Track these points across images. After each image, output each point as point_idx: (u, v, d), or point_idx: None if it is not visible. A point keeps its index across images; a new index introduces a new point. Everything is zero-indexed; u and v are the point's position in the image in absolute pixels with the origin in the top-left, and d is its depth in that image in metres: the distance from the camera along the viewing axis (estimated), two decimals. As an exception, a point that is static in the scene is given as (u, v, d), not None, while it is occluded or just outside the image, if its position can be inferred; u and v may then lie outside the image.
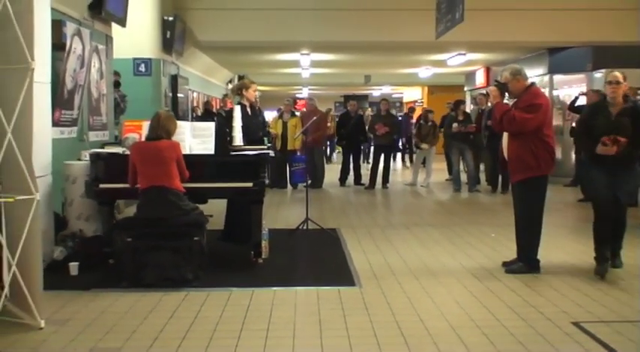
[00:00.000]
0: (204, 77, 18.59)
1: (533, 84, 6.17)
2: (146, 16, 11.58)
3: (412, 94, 31.44)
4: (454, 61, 17.09)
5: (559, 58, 14.89)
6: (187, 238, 5.53)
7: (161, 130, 5.57)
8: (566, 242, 7.43)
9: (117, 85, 10.14)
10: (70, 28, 7.36)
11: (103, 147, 7.06)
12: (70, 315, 4.67)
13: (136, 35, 10.85)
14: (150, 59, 12.14)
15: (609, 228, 5.71)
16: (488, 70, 19.98)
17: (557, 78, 15.03)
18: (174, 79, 13.76)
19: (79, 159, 6.74)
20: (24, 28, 4.19)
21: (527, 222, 5.91)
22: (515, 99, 5.95)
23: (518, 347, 4.00)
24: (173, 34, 12.48)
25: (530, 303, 4.94)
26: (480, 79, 20.60)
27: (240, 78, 24.97)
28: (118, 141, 7.67)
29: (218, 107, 17.90)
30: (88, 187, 6.07)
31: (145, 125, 6.23)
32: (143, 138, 6.01)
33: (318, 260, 6.56)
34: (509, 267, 5.96)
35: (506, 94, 6.00)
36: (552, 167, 5.95)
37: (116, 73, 9.96)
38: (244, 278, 5.71)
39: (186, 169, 5.64)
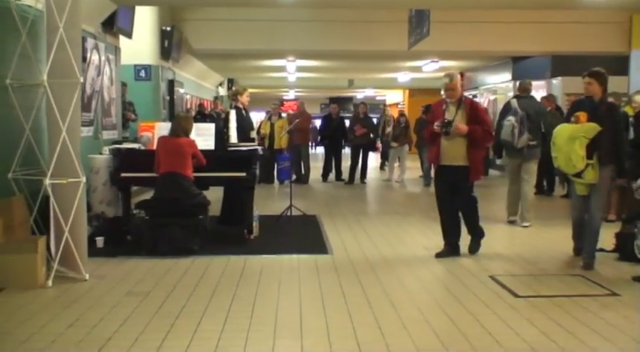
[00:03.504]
0: (197, 81, 19.87)
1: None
2: (146, 27, 12.83)
3: (394, 97, 32.88)
4: (428, 68, 18.51)
5: (522, 66, 16.36)
6: (194, 217, 6.88)
7: (180, 130, 6.94)
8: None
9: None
10: (89, 43, 8.69)
11: (113, 144, 8.40)
12: (105, 273, 6.00)
13: (137, 44, 12.01)
14: (149, 65, 13.45)
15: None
16: (462, 76, 21.40)
17: (520, 84, 16.45)
18: (171, 84, 15.09)
19: (101, 154, 8.04)
20: (74, 50, 5.53)
21: (475, 209, 6.84)
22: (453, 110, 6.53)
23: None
24: (171, 42, 13.79)
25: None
26: (455, 83, 22.01)
27: (230, 81, 26.33)
28: (134, 138, 8.97)
29: (210, 109, 19.24)
30: (111, 176, 7.40)
31: (158, 125, 7.59)
32: (156, 137, 7.35)
33: (299, 237, 7.92)
34: (472, 248, 6.84)
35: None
36: None
37: (123, 84, 11.21)
38: (239, 249, 7.06)
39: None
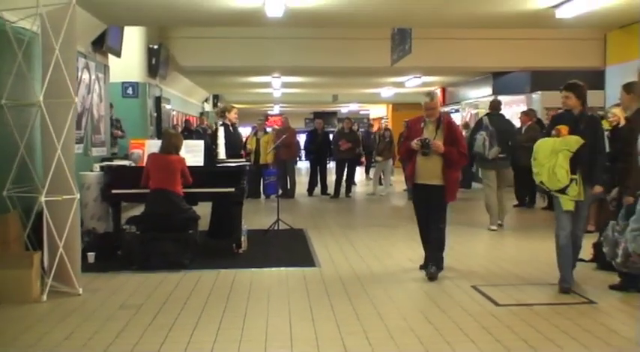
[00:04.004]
0: (183, 97, 20.05)
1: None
2: (134, 45, 13.02)
3: (378, 111, 33.22)
4: (411, 83, 18.84)
5: (502, 81, 16.72)
6: (185, 231, 7.05)
7: (171, 147, 7.11)
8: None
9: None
10: (80, 63, 8.86)
11: (102, 161, 8.56)
12: (98, 287, 6.14)
13: (125, 62, 12.16)
14: (137, 83, 13.61)
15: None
16: (444, 90, 21.79)
17: (501, 98, 16.74)
18: (158, 100, 15.26)
19: (92, 171, 8.19)
20: (69, 71, 5.71)
21: (442, 240, 6.67)
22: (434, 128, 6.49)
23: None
24: (158, 60, 13.98)
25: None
26: (438, 98, 22.37)
27: (215, 97, 26.52)
28: (124, 155, 9.13)
29: (196, 125, 19.41)
30: (102, 192, 7.55)
31: (148, 143, 7.76)
32: (146, 153, 7.52)
33: (287, 250, 8.10)
34: (431, 275, 6.47)
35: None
36: None
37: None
38: (229, 262, 7.23)
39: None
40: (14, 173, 6.24)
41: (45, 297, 5.66)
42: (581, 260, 6.87)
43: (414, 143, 6.48)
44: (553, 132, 6.06)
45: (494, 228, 9.66)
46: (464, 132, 13.42)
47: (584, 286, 6.04)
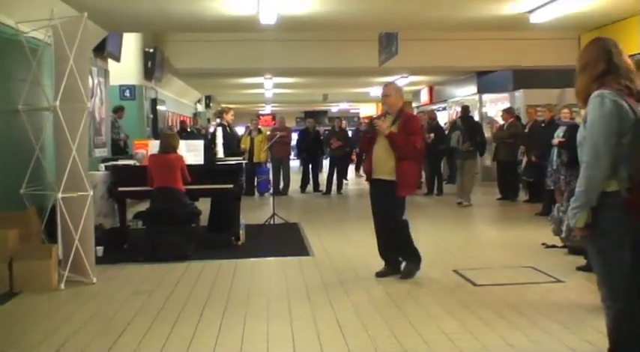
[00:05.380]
0: (177, 98, 20.56)
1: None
2: (131, 49, 13.52)
3: (368, 110, 33.80)
4: (399, 83, 19.34)
5: (486, 80, 17.31)
6: (188, 225, 7.59)
7: (169, 146, 7.64)
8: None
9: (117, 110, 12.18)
10: (84, 68, 9.37)
11: (103, 161, 9.10)
12: (110, 277, 6.68)
13: (123, 65, 12.66)
14: (134, 85, 14.13)
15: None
16: (431, 89, 22.38)
17: (486, 96, 17.43)
18: (153, 102, 15.79)
19: (98, 170, 8.71)
20: (82, 78, 6.24)
21: (407, 229, 6.48)
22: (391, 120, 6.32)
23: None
24: (154, 63, 14.50)
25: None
26: (425, 96, 23.01)
27: (208, 98, 27.04)
28: (129, 156, 9.65)
29: (191, 125, 19.96)
30: (109, 190, 8.08)
31: (151, 143, 8.30)
32: (149, 153, 8.06)
33: (283, 242, 8.66)
34: (403, 273, 6.42)
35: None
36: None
37: (121, 108, 11.93)
38: (229, 253, 7.76)
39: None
40: (29, 173, 6.77)
41: (63, 286, 6.19)
42: (554, 246, 7.48)
43: (364, 123, 6.85)
44: None
45: (461, 201, 12.30)
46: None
47: (554, 268, 6.62)
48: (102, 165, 8.74)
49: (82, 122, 6.22)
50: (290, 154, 16.21)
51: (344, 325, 4.90)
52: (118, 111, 12.30)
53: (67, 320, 5.20)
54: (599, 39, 3.58)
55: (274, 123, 15.93)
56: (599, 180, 3.27)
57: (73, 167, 6.22)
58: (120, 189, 8.02)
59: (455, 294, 5.72)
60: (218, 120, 9.87)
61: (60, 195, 6.23)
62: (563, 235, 4.07)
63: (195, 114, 23.84)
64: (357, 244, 8.31)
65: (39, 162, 6.88)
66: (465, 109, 13.22)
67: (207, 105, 27.45)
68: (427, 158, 14.32)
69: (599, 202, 3.30)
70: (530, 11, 9.19)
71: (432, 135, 14.22)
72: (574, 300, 5.44)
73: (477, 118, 17.06)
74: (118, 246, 8.03)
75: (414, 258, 6.46)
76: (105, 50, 10.48)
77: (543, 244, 7.76)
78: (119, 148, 11.85)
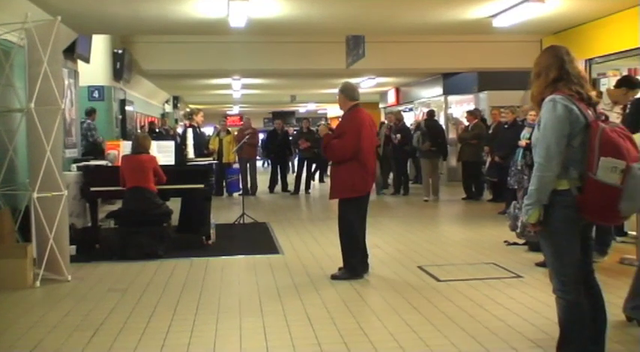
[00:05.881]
0: (145, 99, 20.55)
1: (356, 105, 6.46)
2: (99, 50, 13.51)
3: (335, 111, 34.04)
4: (366, 84, 19.67)
5: (452, 82, 17.67)
6: (159, 225, 7.74)
7: (140, 147, 7.78)
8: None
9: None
10: (55, 69, 9.44)
11: (74, 162, 9.18)
12: (83, 275, 6.80)
13: (91, 66, 12.67)
14: (103, 86, 14.14)
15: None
16: (397, 90, 22.72)
17: (451, 98, 17.81)
18: (122, 103, 15.80)
19: (69, 171, 8.80)
20: (57, 81, 6.36)
21: (347, 236, 6.47)
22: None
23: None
24: (122, 64, 14.51)
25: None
26: (392, 98, 23.34)
27: (176, 98, 27.04)
28: (100, 156, 9.74)
29: (159, 126, 19.98)
30: (82, 190, 8.18)
31: (122, 144, 8.43)
32: (121, 153, 8.18)
33: (253, 241, 8.86)
34: (335, 275, 6.44)
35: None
36: (361, 192, 6.39)
37: (93, 110, 12.03)
38: (200, 252, 7.94)
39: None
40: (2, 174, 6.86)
41: (38, 284, 6.31)
42: (516, 243, 7.80)
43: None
44: None
45: (427, 199, 13.31)
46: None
47: (514, 264, 6.92)
48: (74, 166, 8.82)
49: (55, 123, 6.33)
50: (256, 155, 16.37)
51: (313, 319, 5.11)
52: (92, 113, 12.34)
53: (43, 317, 5.33)
54: (553, 47, 3.85)
55: (244, 124, 16.03)
56: (550, 179, 3.53)
57: (48, 167, 6.33)
58: (92, 189, 8.14)
59: (419, 289, 5.98)
60: (187, 122, 10.00)
61: (35, 195, 6.34)
62: (518, 231, 4.35)
63: (163, 115, 23.83)
64: (325, 243, 8.53)
65: (12, 163, 6.96)
66: (431, 113, 14.65)
67: (175, 106, 27.45)
68: (394, 158, 14.70)
69: (551, 200, 3.57)
70: (493, 16, 9.51)
71: (399, 135, 14.54)
72: (531, 294, 5.73)
73: (442, 119, 17.52)
74: (90, 245, 8.13)
75: (349, 266, 6.45)
76: (75, 52, 10.54)
77: (505, 242, 8.08)
78: (97, 151, 11.91)
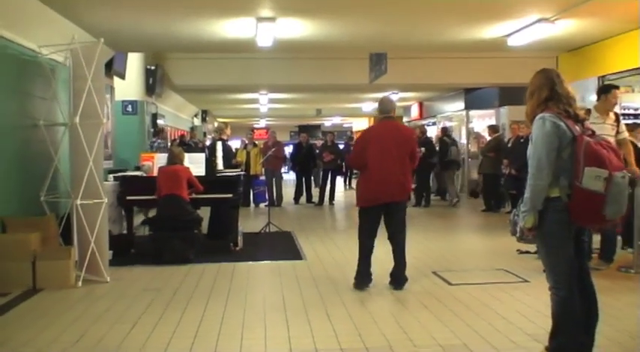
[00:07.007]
0: (175, 113, 21.23)
1: (384, 118, 6.70)
2: (133, 67, 14.16)
3: (360, 124, 34.55)
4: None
5: (473, 96, 18.06)
6: (190, 231, 8.26)
7: (176, 158, 8.35)
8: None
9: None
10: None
11: (110, 173, 9.77)
12: (120, 276, 7.34)
13: (125, 82, 13.28)
14: (136, 101, 14.76)
15: None
16: (421, 105, 23.15)
17: (473, 112, 18.19)
18: (154, 117, 16.46)
19: (107, 180, 9.37)
20: (99, 96, 6.94)
21: (358, 242, 6.83)
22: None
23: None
24: (155, 79, 15.16)
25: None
26: (415, 112, 23.76)
27: (204, 112, 27.73)
28: (135, 167, 10.32)
29: (189, 139, 20.62)
30: (119, 198, 8.75)
31: (157, 156, 9.00)
32: (156, 165, 8.74)
33: (278, 248, 9.34)
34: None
35: None
36: (367, 201, 6.61)
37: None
38: (228, 257, 8.44)
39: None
40: (47, 182, 7.44)
41: (80, 284, 6.85)
42: (528, 252, 8.19)
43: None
44: None
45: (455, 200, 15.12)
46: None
47: (524, 270, 7.32)
48: (110, 176, 9.40)
49: (97, 136, 6.90)
50: (281, 168, 16.86)
51: (332, 316, 5.57)
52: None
53: (85, 312, 5.86)
54: (545, 70, 4.32)
55: (270, 138, 16.57)
56: (542, 187, 3.97)
57: (90, 177, 6.90)
58: (128, 197, 8.70)
59: (432, 293, 6.41)
60: (217, 135, 10.55)
61: (78, 202, 6.90)
62: (517, 235, 4.76)
63: (192, 128, 24.48)
64: (346, 250, 8.96)
65: (57, 172, 7.55)
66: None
67: (204, 120, 28.15)
68: (417, 171, 15.08)
69: (544, 206, 4.01)
70: (507, 35, 9.95)
71: (423, 149, 14.92)
72: (534, 296, 6.13)
73: (463, 133, 17.90)
74: (126, 250, 8.68)
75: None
76: (112, 68, 11.17)
77: (518, 250, 8.46)
78: None
